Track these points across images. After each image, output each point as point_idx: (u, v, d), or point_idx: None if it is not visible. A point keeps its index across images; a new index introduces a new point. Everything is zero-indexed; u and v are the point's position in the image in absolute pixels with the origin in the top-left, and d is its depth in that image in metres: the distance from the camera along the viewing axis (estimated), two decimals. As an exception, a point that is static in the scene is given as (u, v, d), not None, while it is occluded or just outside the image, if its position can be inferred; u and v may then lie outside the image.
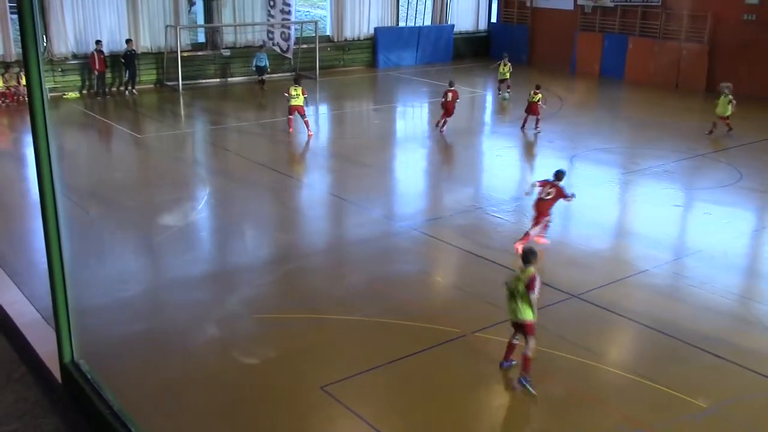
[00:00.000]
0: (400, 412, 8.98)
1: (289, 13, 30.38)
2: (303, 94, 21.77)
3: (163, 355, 10.04)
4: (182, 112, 26.53)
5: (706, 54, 30.58)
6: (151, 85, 28.80)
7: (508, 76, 28.52)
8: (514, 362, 9.61)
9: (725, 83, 22.90)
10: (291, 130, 22.10)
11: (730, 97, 22.25)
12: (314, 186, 18.37)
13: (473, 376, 9.75)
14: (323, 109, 28.07)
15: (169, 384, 9.32)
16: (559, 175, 13.87)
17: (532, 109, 22.87)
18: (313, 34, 31.97)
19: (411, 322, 10.93)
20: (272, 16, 30.65)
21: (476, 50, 38.53)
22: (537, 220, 13.87)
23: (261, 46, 30.62)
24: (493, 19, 39.55)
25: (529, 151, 22.14)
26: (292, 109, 21.85)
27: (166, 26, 28.43)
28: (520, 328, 9.34)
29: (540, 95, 22.75)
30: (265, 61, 29.91)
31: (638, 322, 11.28)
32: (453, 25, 37.75)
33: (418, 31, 36.50)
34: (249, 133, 22.58)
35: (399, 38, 35.81)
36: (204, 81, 29.87)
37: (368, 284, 12.37)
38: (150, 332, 10.72)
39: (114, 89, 27.66)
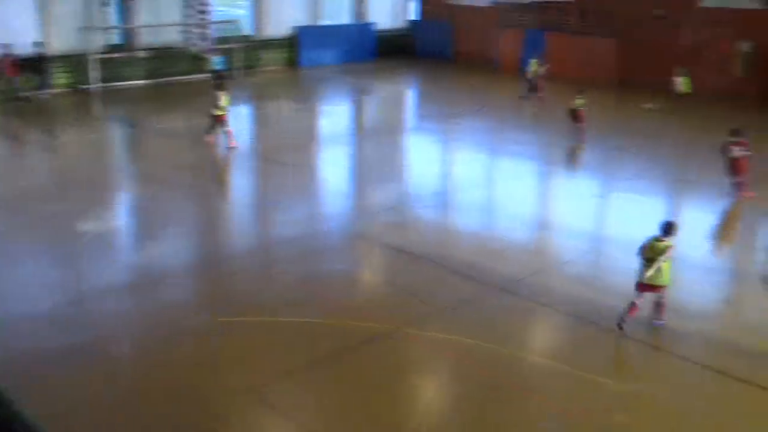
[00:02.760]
0: (333, 411, 8.97)
1: (207, 12, 29.92)
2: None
3: (84, 367, 9.71)
4: (98, 116, 25.82)
5: (617, 48, 31.55)
6: (66, 89, 27.92)
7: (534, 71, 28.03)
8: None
9: None
10: (233, 144, 20.11)
11: None
12: (238, 188, 18.15)
13: (404, 370, 9.81)
14: (245, 109, 27.75)
15: (91, 399, 9.05)
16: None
17: (576, 115, 21.81)
18: (233, 34, 31.57)
19: (341, 320, 10.92)
20: (190, 16, 30.12)
21: (400, 48, 38.72)
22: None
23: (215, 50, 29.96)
24: (415, 17, 39.84)
25: (452, 146, 22.37)
26: (219, 119, 19.99)
27: (80, 28, 27.59)
28: (652, 289, 10.61)
29: (582, 100, 21.85)
30: (220, 65, 29.45)
31: (561, 311, 11.56)
32: (375, 23, 37.85)
33: (340, 29, 36.46)
34: (168, 136, 22.11)
35: (320, 37, 35.68)
36: (120, 83, 29.11)
37: (296, 285, 12.29)
38: (70, 345, 10.33)
39: (26, 94, 26.64)
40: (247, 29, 33.53)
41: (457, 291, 11.98)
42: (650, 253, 10.56)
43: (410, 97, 31.33)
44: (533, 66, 27.87)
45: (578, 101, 21.66)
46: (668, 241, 10.57)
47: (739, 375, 9.75)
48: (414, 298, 11.79)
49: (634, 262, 13.19)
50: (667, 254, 10.44)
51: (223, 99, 19.88)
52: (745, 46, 28.25)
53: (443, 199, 16.99)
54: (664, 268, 10.50)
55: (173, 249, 13.94)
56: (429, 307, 11.39)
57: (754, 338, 10.81)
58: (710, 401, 9.33)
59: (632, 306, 10.68)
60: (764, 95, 28.12)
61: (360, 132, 24.76)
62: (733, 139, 16.56)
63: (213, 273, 12.90)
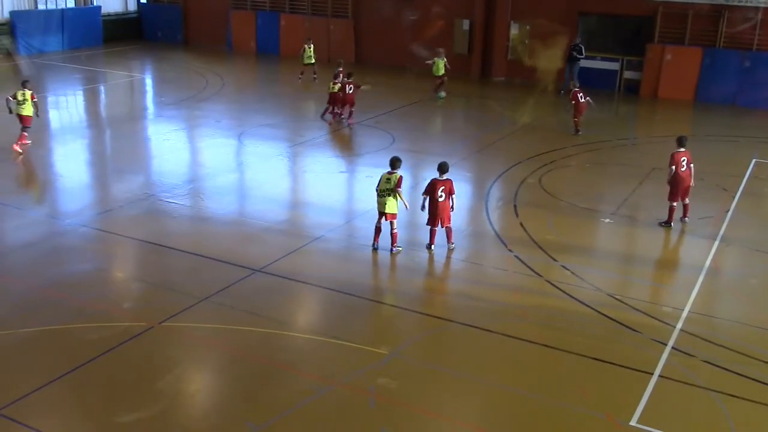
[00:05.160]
0: (92, 416, 8.52)
1: None
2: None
3: None
4: None
5: (352, 28, 32.71)
6: None
7: (442, 73, 26.19)
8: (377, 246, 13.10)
9: None
10: None
11: None
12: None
13: (165, 365, 9.54)
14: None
15: None
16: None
17: (333, 97, 22.17)
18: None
19: (94, 323, 10.36)
20: None
21: (128, 32, 37.08)
22: None
23: None
24: (143, 0, 38.25)
25: (198, 132, 21.87)
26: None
27: None
28: (386, 216, 12.81)
29: (339, 85, 21.98)
30: None
31: (319, 285, 11.89)
32: (100, 7, 35.76)
33: (62, 13, 33.96)
34: None
35: (40, 22, 33.02)
36: None
37: (40, 291, 11.40)
38: None
39: None
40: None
41: (215, 279, 11.84)
42: (386, 185, 12.72)
43: (146, 83, 30.04)
44: (439, 64, 26.17)
45: (335, 87, 22.15)
46: (397, 174, 12.78)
47: (482, 325, 10.73)
48: (171, 291, 11.48)
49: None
50: (399, 185, 12.73)
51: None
52: (464, 25, 30.58)
53: (193, 186, 16.61)
54: (395, 199, 12.78)
55: None
56: (188, 298, 11.16)
57: (492, 292, 11.94)
58: (460, 352, 10.19)
59: (377, 231, 13.09)
60: (483, 70, 30.73)
61: (96, 122, 23.33)
62: (348, 80, 21.77)
63: (-62, 289, 11.57)
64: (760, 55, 26.19)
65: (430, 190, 12.88)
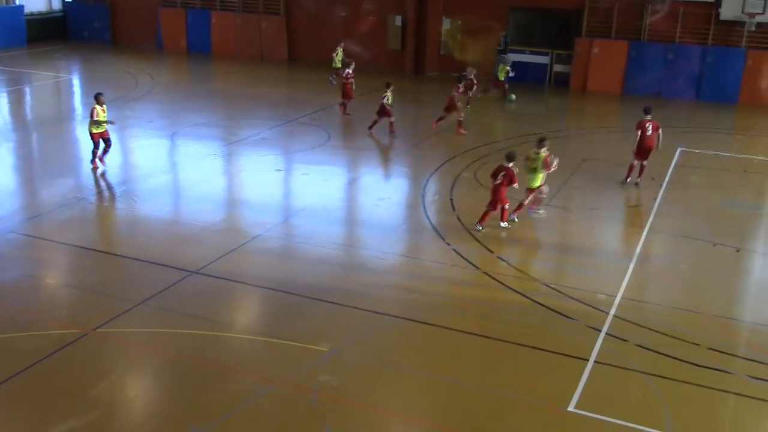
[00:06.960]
0: (26, 427, 8.28)
1: None
2: None
3: None
4: None
5: (285, 25, 32.50)
6: None
7: (503, 77, 26.03)
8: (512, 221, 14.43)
9: None
10: None
11: None
12: None
13: (101, 372, 9.32)
14: None
15: None
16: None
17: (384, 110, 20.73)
18: None
19: (25, 332, 10.06)
20: None
21: (53, 32, 36.09)
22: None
23: None
24: (68, -2, 37.30)
25: (129, 133, 21.39)
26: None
27: None
28: (531, 190, 14.35)
29: (388, 94, 20.63)
30: None
31: (258, 285, 11.81)
32: (22, 6, 34.66)
33: (-19, 13, 32.86)
34: None
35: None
36: None
37: (-36, 301, 11.03)
38: None
39: None
40: None
41: (151, 283, 11.63)
42: (534, 163, 14.09)
43: (73, 84, 29.26)
44: (501, 71, 26.16)
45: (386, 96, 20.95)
46: (543, 152, 14.08)
47: (422, 319, 10.83)
48: (105, 296, 11.23)
49: (318, 229, 13.95)
50: (543, 161, 14.07)
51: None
52: (397, 21, 30.69)
53: (126, 188, 16.26)
54: (540, 175, 14.23)
55: None
56: (123, 303, 10.93)
57: (431, 286, 12.05)
58: (401, 347, 10.26)
59: (519, 206, 14.54)
60: (416, 66, 30.93)
61: (23, 125, 22.62)
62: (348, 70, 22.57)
63: None
64: (682, 47, 27.07)
65: (494, 173, 13.94)
